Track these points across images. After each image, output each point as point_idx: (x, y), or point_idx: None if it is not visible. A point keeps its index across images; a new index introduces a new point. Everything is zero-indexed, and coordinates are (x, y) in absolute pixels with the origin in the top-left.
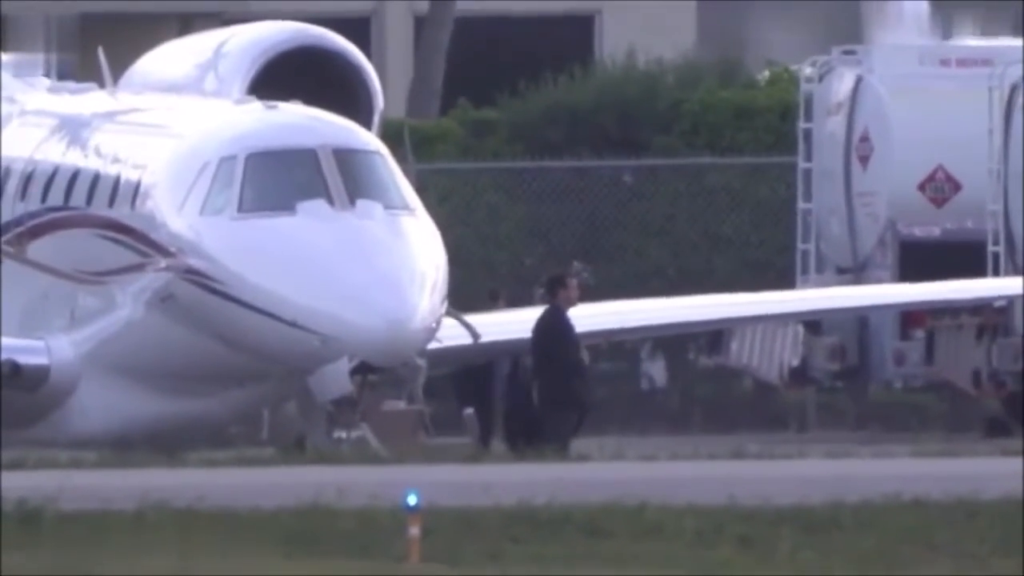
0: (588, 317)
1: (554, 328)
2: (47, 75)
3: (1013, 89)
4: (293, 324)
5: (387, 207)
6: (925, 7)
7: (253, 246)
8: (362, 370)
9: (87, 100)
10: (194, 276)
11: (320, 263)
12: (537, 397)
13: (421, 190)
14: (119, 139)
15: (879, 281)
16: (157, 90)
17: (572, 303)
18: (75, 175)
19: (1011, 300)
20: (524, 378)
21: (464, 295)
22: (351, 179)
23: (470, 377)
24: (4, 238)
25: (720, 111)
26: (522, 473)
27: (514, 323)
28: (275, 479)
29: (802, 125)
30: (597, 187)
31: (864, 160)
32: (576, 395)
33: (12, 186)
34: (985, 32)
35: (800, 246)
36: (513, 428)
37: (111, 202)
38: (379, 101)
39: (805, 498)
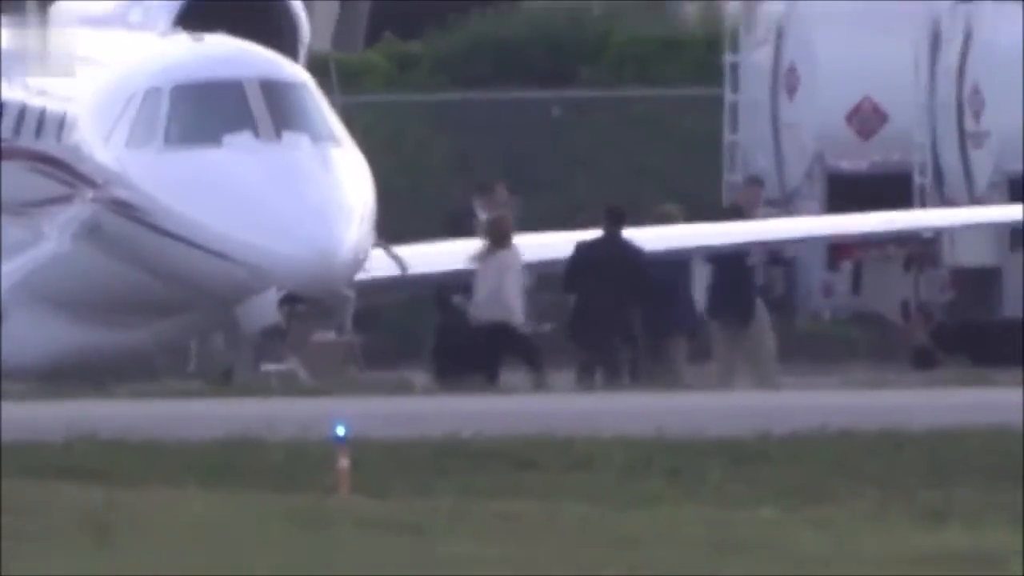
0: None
1: (629, 256)
2: None
3: (939, 20)
4: (221, 255)
5: (314, 139)
6: None
7: (179, 178)
8: (290, 301)
9: (12, 35)
10: (121, 208)
11: (246, 194)
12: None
13: (347, 123)
14: (45, 72)
15: (806, 213)
16: (83, 24)
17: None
18: (2, 108)
19: (938, 231)
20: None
21: (391, 227)
22: (277, 111)
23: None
24: None
25: (646, 43)
26: (450, 405)
27: (442, 254)
28: (203, 411)
29: (728, 57)
30: (523, 119)
31: (791, 91)
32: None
33: None
34: None
35: (726, 178)
36: (443, 359)
37: (37, 134)
38: (305, 34)
39: (733, 430)
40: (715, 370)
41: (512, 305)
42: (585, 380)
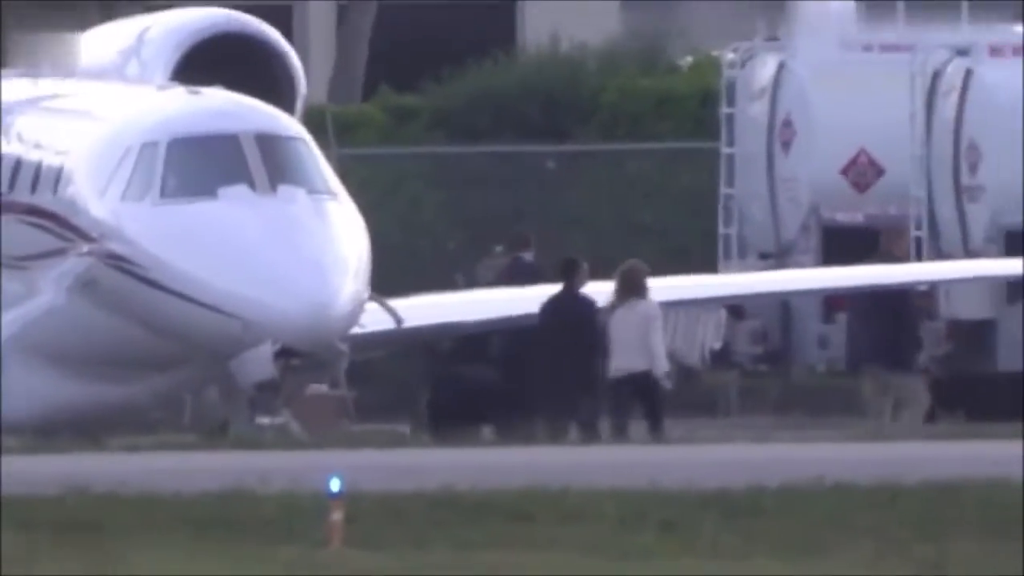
0: (510, 301)
1: (576, 310)
2: None
3: (936, 74)
4: (216, 309)
5: (310, 192)
6: (851, 7)
7: (175, 231)
8: (285, 355)
9: (8, 86)
10: (116, 261)
11: (242, 248)
12: (557, 379)
13: (343, 176)
14: (42, 125)
15: (802, 266)
16: (80, 76)
17: (583, 285)
18: None
19: (934, 285)
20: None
21: (386, 281)
22: (273, 164)
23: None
24: None
25: (640, 99)
26: (445, 458)
27: (436, 308)
28: (197, 464)
29: (724, 110)
30: (519, 174)
31: (786, 145)
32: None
33: None
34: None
35: (722, 231)
36: (440, 412)
37: (33, 188)
38: (302, 87)
39: (727, 482)
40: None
41: (659, 354)
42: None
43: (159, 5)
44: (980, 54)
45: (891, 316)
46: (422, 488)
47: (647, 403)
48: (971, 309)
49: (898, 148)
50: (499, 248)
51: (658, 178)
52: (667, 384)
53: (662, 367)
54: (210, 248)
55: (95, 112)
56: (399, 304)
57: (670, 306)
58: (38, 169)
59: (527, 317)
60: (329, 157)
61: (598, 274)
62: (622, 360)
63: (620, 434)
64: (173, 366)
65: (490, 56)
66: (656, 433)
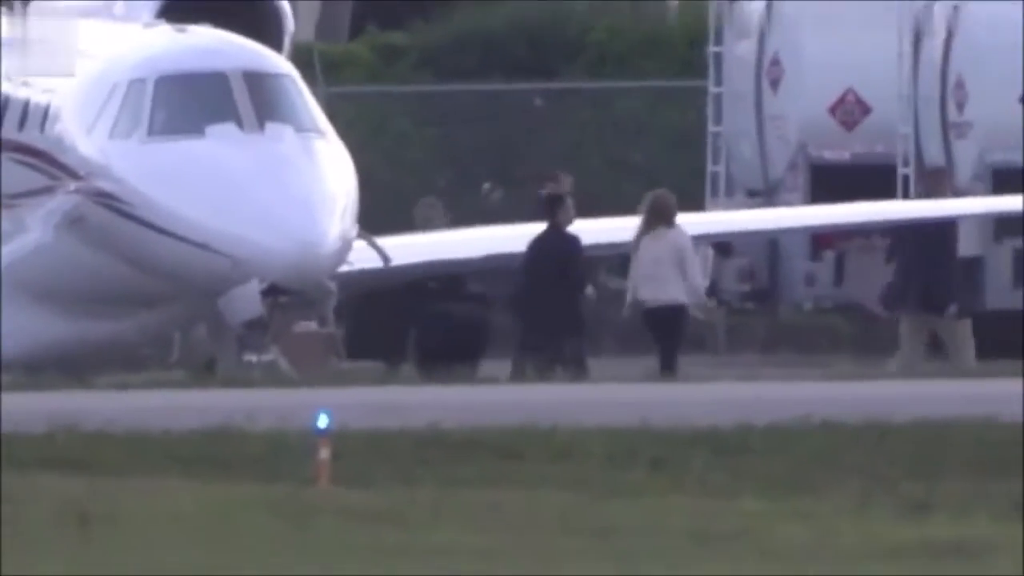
0: (500, 240)
1: (561, 248)
2: None
3: (923, 12)
4: (204, 247)
5: (297, 130)
6: None
7: (162, 169)
8: (272, 292)
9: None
10: (104, 199)
11: (229, 186)
12: (544, 319)
13: (330, 114)
14: (29, 64)
15: (790, 204)
16: (67, 16)
17: (570, 222)
18: None
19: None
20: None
21: (374, 219)
22: (261, 102)
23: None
24: None
25: (627, 38)
26: (432, 395)
27: (424, 246)
28: (185, 402)
29: (712, 49)
30: (506, 112)
31: (775, 83)
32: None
33: None
34: None
35: (710, 169)
36: (426, 351)
37: (21, 126)
38: (289, 25)
39: (716, 421)
40: (899, 360)
41: (696, 285)
42: (526, 368)
43: None
44: None
45: (933, 255)
46: (409, 426)
47: (670, 336)
48: (959, 247)
49: (886, 86)
50: (487, 186)
51: (646, 116)
52: (700, 315)
53: (700, 297)
54: (198, 186)
55: (82, 50)
56: (387, 242)
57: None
58: (25, 107)
59: (515, 255)
60: (316, 95)
61: (585, 212)
62: (649, 291)
63: (668, 367)
64: (161, 304)
65: None
66: (669, 368)
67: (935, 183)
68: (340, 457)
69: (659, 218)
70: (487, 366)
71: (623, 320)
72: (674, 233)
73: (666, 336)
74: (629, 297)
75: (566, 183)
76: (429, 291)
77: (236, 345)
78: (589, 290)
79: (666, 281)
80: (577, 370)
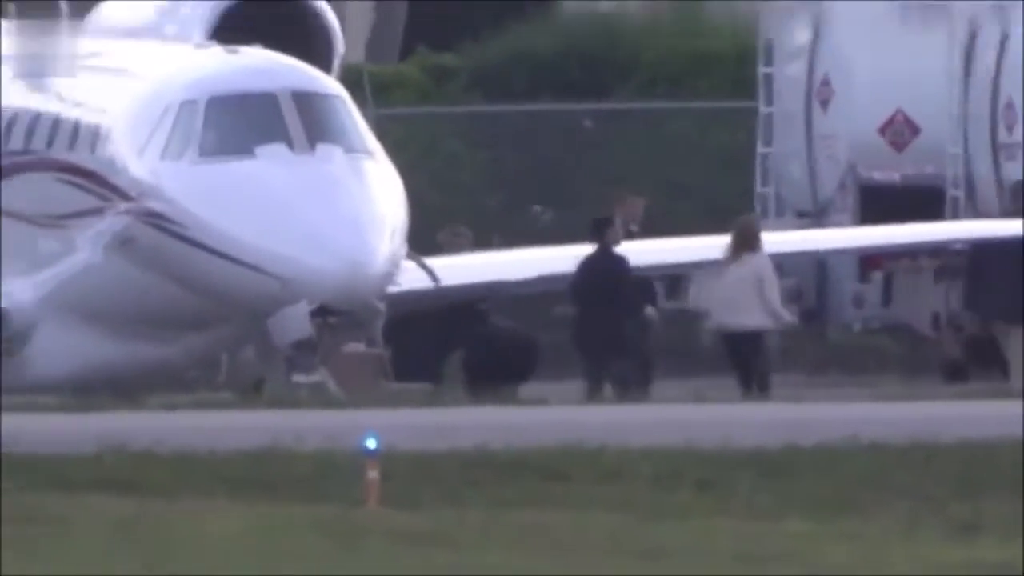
0: (550, 260)
1: (610, 269)
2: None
3: (973, 32)
4: (254, 268)
5: (347, 151)
6: None
7: (213, 190)
8: (321, 313)
9: (49, 44)
10: (154, 220)
11: (280, 206)
12: (592, 338)
13: (380, 135)
14: (80, 83)
15: (839, 225)
16: (118, 35)
17: (618, 243)
18: (36, 119)
19: (970, 243)
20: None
21: (424, 240)
22: (311, 123)
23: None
24: None
25: (678, 60)
26: (480, 417)
27: (473, 267)
28: (233, 423)
29: (763, 69)
30: (556, 133)
31: (825, 103)
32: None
33: None
34: None
35: (759, 190)
36: (474, 371)
37: (71, 146)
38: (339, 45)
39: (763, 442)
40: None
41: (776, 310)
42: (594, 392)
43: None
44: (1017, 11)
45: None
46: (457, 447)
47: (751, 359)
48: None
49: (935, 107)
50: (537, 208)
51: (696, 137)
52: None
53: (782, 320)
54: (248, 206)
55: (134, 70)
56: (436, 263)
57: (706, 265)
58: (77, 127)
59: (564, 276)
60: (366, 116)
61: (641, 234)
62: (732, 316)
63: (746, 389)
64: (210, 325)
65: (528, 15)
66: (755, 388)
67: (1018, 198)
68: (388, 478)
69: (745, 243)
70: (535, 388)
71: (678, 342)
72: (757, 258)
73: (747, 360)
74: (712, 321)
75: (637, 206)
76: (477, 312)
77: (285, 366)
78: (650, 311)
79: (748, 306)
80: (626, 390)
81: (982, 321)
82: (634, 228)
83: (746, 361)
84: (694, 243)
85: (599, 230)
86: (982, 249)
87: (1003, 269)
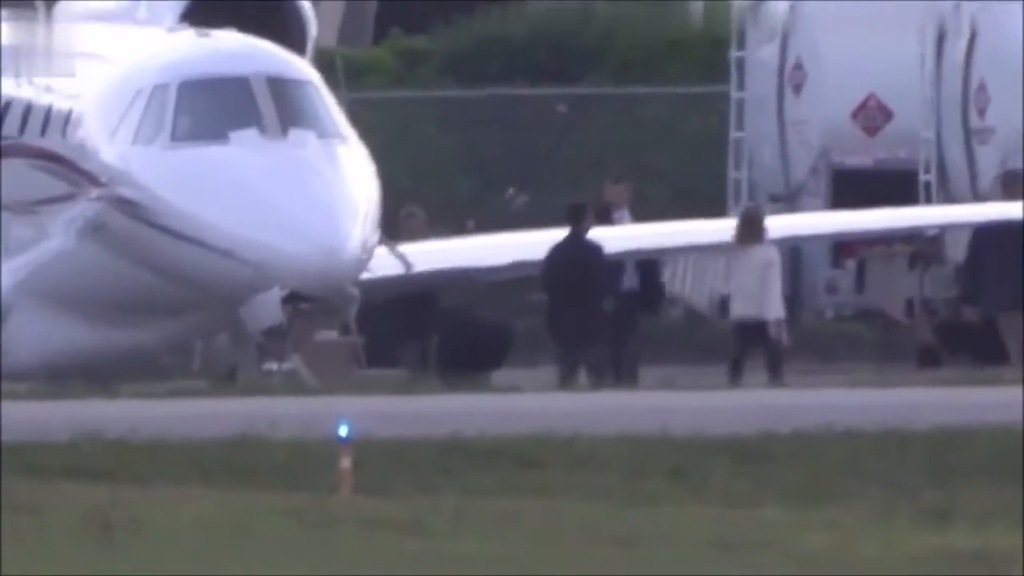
0: (523, 246)
1: (582, 255)
2: None
3: (945, 17)
4: (227, 254)
5: (320, 136)
6: None
7: (185, 175)
8: (294, 300)
9: (18, 30)
10: (126, 205)
11: (252, 192)
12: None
13: (353, 120)
14: (52, 69)
15: (811, 209)
16: (90, 20)
17: (590, 229)
18: (7, 105)
19: (943, 228)
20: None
21: (396, 226)
22: (284, 108)
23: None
24: None
25: (651, 44)
26: (453, 404)
27: (446, 253)
28: (207, 410)
29: (735, 54)
30: (529, 117)
31: (797, 88)
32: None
33: None
34: None
35: (732, 174)
36: (447, 359)
37: (43, 131)
38: (312, 29)
39: (737, 429)
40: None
41: (772, 302)
42: (567, 379)
43: None
44: None
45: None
46: (431, 434)
47: (764, 351)
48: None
49: (907, 92)
50: (511, 191)
51: (668, 122)
52: (777, 332)
53: (776, 315)
54: (220, 192)
55: (105, 55)
56: (409, 249)
57: (679, 251)
58: (47, 113)
59: (538, 262)
60: (339, 100)
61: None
62: (738, 306)
63: (735, 377)
64: (183, 311)
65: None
66: (775, 380)
67: (1011, 185)
68: (361, 465)
69: (751, 233)
70: (509, 374)
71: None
72: (763, 248)
73: (759, 348)
74: (732, 311)
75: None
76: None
77: (257, 353)
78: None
79: (756, 296)
80: (597, 377)
81: (984, 313)
82: (617, 215)
83: (755, 351)
84: (664, 228)
85: (574, 216)
86: (980, 239)
87: (1002, 257)
